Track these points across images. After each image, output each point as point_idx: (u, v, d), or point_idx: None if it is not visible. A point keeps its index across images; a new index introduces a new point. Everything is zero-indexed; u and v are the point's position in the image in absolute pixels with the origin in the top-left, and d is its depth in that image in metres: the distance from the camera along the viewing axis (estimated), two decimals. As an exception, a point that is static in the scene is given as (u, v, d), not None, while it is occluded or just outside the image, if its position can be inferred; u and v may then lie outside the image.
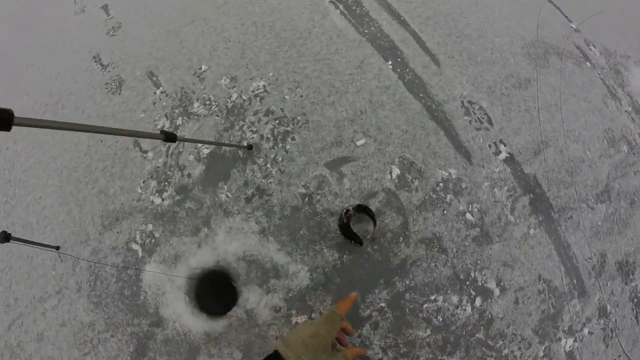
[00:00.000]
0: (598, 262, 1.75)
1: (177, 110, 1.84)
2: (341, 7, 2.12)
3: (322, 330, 0.75)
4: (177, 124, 1.81)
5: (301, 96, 1.80)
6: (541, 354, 1.55)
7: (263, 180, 1.64)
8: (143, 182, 1.73)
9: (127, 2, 2.49)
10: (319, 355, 0.71)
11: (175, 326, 1.57)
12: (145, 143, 1.80)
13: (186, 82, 1.92)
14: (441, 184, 1.71)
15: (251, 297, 1.53)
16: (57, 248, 1.77)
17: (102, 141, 1.87)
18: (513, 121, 1.93)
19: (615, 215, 1.86)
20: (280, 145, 1.70)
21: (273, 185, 1.63)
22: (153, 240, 1.64)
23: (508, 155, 1.83)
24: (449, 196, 1.69)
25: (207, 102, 1.83)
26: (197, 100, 1.85)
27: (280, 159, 1.67)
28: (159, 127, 1.82)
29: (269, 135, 1.72)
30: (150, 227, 1.66)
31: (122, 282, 1.65)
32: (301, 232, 1.57)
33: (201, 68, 1.95)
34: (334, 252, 1.55)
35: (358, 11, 2.11)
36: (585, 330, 1.62)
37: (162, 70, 1.99)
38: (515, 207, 1.75)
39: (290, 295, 1.52)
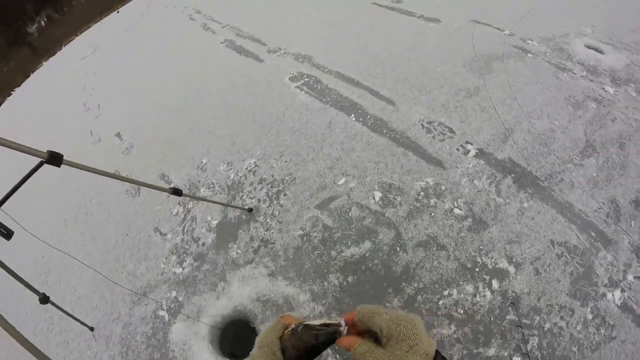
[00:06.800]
0: (610, 208, 1.64)
1: (187, 198, 2.27)
2: (305, 88, 2.81)
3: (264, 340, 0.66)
4: (189, 207, 2.22)
5: (286, 161, 2.29)
6: (590, 316, 1.36)
7: (266, 233, 1.99)
8: (165, 258, 2.04)
9: (136, 127, 3.17)
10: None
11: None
12: (164, 227, 2.17)
13: (192, 175, 2.41)
14: (422, 193, 1.96)
15: (272, 334, 1.71)
16: (92, 329, 1.93)
17: (127, 234, 2.23)
18: (473, 123, 2.20)
19: (609, 163, 1.78)
20: (275, 202, 2.10)
21: (274, 234, 1.97)
22: (177, 304, 1.87)
23: (477, 150, 2.03)
24: (432, 200, 1.92)
25: (211, 186, 2.29)
26: (203, 186, 2.31)
27: (277, 212, 2.05)
28: (174, 213, 2.22)
29: (264, 198, 2.14)
30: (174, 293, 1.90)
31: (152, 348, 1.79)
32: (306, 266, 1.85)
33: (202, 162, 2.47)
34: (338, 274, 1.80)
35: (319, 87, 2.80)
36: (629, 277, 1.46)
37: (172, 170, 2.50)
38: (500, 189, 1.86)
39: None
